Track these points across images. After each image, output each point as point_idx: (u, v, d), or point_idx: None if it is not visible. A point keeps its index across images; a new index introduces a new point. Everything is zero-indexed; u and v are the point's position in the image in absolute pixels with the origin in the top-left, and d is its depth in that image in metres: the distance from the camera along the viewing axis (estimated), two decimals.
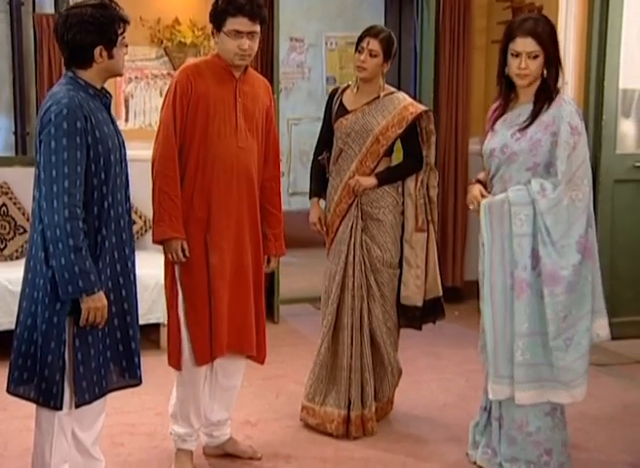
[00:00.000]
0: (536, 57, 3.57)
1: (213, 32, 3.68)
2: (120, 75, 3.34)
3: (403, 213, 4.26)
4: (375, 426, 4.26)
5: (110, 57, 3.15)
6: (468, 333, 4.45)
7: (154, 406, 4.53)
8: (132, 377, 3.34)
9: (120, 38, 3.16)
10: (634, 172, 5.83)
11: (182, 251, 3.60)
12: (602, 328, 3.74)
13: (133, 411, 4.44)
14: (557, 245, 3.53)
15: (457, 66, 6.56)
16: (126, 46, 3.22)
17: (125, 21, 3.18)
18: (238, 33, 3.55)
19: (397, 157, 4.37)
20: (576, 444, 4.05)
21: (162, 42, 5.99)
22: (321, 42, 8.80)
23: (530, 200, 3.55)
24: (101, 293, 3.10)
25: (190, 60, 3.87)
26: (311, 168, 4.49)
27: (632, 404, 4.80)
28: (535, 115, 3.60)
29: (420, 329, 4.37)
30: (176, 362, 3.70)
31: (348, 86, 4.37)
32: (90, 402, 3.19)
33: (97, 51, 3.12)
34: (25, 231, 5.86)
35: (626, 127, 5.97)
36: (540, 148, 3.59)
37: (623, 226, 5.78)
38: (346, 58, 9.03)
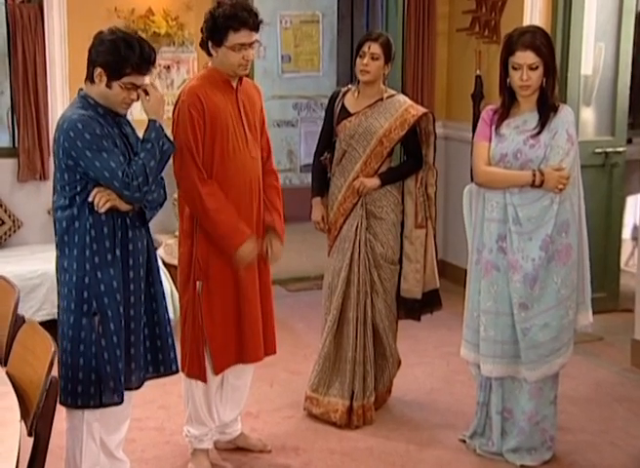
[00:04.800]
0: (536, 68, 3.79)
1: (208, 46, 3.71)
2: (118, 112, 3.34)
3: (403, 211, 4.46)
4: (373, 415, 4.49)
5: (108, 86, 3.23)
6: (438, 314, 4.70)
7: (155, 399, 4.66)
8: (155, 371, 3.54)
9: (125, 78, 3.21)
10: (594, 158, 6.11)
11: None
12: (585, 318, 4.09)
13: (136, 405, 4.50)
14: (525, 236, 3.83)
15: (422, 52, 6.72)
16: (131, 90, 3.24)
17: (136, 69, 3.22)
18: (242, 46, 3.64)
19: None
20: (560, 426, 4.30)
21: (137, 33, 5.99)
22: (276, 21, 8.84)
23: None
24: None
25: (191, 81, 3.88)
26: (313, 168, 4.64)
27: (603, 382, 5.13)
28: (543, 123, 3.84)
29: (419, 320, 4.61)
30: (202, 375, 3.85)
31: (349, 89, 4.52)
32: (120, 402, 3.34)
33: (97, 71, 3.24)
34: (4, 223, 5.89)
35: (587, 114, 6.25)
36: None
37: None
38: (301, 36, 9.12)
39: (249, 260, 3.76)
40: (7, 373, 2.81)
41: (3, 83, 7.66)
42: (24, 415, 2.54)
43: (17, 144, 5.98)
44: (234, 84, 3.78)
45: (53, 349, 2.61)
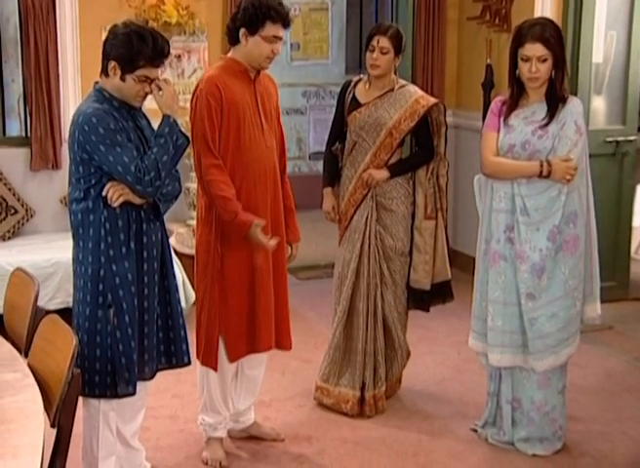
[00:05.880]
0: (545, 60, 3.80)
1: (237, 34, 3.74)
2: (132, 105, 3.36)
3: (414, 202, 4.47)
4: (385, 404, 4.52)
5: (122, 79, 3.26)
6: (449, 303, 4.73)
7: (168, 387, 4.69)
8: (168, 362, 3.56)
9: (139, 71, 3.24)
10: (604, 146, 6.13)
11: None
12: (593, 310, 4.11)
13: (149, 394, 4.47)
14: (532, 226, 3.85)
15: (432, 40, 6.72)
16: (144, 83, 3.27)
17: (149, 62, 3.24)
18: (275, 38, 3.71)
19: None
20: (571, 415, 4.34)
21: (147, 22, 6.01)
22: None
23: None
24: None
25: (210, 70, 3.90)
26: (324, 158, 4.66)
27: (614, 372, 5.15)
28: (552, 114, 3.85)
29: (427, 311, 4.63)
30: (214, 362, 3.88)
31: (360, 79, 4.52)
32: (133, 393, 3.37)
33: (111, 64, 3.26)
34: (17, 212, 5.92)
35: (598, 103, 6.24)
36: None
37: (594, 198, 6.06)
38: (310, 23, 9.15)
39: (262, 241, 3.76)
40: (28, 365, 2.84)
41: (14, 71, 7.70)
42: (47, 407, 2.57)
43: (29, 134, 5.99)
44: (252, 75, 3.82)
45: (74, 342, 2.63)
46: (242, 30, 3.73)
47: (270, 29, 3.69)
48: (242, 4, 3.74)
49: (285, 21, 3.72)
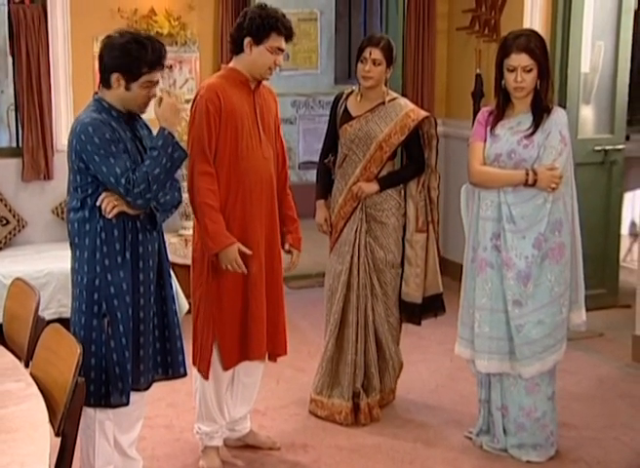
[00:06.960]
0: (530, 70, 3.87)
1: (242, 43, 3.76)
2: (138, 113, 3.40)
3: (405, 214, 4.49)
4: (379, 412, 4.55)
5: (127, 88, 3.28)
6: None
7: (163, 396, 4.69)
8: (164, 373, 3.56)
9: (143, 78, 3.26)
10: (593, 155, 6.19)
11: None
12: (578, 317, 4.15)
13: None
14: (518, 234, 3.90)
15: (422, 51, 6.78)
16: (150, 88, 3.30)
17: (151, 67, 3.27)
18: (278, 50, 3.77)
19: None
20: (563, 422, 4.39)
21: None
22: None
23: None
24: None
25: (210, 79, 3.94)
26: (317, 170, 4.67)
27: (606, 378, 5.19)
28: (537, 124, 3.91)
29: (419, 324, 4.64)
30: (206, 370, 3.90)
31: (352, 91, 4.54)
32: (126, 404, 3.37)
33: (114, 76, 3.27)
34: (8, 222, 5.91)
35: (586, 112, 6.30)
36: None
37: (583, 207, 6.04)
38: (299, 34, 9.11)
39: (229, 266, 3.78)
40: (31, 375, 2.85)
41: (3, 82, 7.71)
42: (50, 416, 2.57)
43: (20, 144, 6.00)
44: (252, 85, 3.85)
45: (78, 351, 2.65)
46: (247, 39, 3.77)
47: (275, 41, 3.74)
48: (248, 14, 3.79)
49: (289, 34, 3.79)
